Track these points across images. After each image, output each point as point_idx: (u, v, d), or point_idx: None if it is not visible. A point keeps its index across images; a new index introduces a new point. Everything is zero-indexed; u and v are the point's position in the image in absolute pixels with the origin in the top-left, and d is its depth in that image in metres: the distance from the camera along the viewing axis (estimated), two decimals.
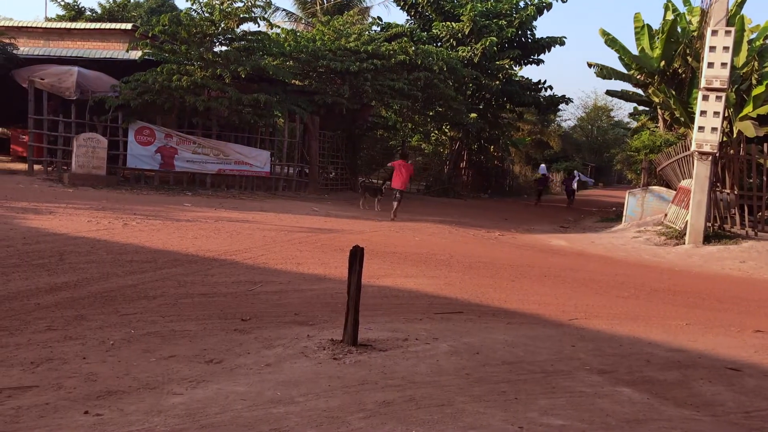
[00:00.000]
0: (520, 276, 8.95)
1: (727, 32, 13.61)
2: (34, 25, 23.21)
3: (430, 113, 27.54)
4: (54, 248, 7.31)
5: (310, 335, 4.95)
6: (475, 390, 4.01)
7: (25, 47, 20.02)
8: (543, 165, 36.19)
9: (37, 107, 16.68)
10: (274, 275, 7.21)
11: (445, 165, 32.35)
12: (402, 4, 30.41)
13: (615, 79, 25.46)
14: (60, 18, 30.32)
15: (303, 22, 36.44)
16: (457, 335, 5.32)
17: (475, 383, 4.15)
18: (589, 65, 25.23)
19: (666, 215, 16.25)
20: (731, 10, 16.87)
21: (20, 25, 22.80)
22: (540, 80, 32.27)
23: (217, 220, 11.42)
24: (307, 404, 3.54)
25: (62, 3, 30.84)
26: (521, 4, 29.62)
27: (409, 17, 31.26)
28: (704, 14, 15.91)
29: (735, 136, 16.90)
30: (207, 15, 17.82)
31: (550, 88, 31.98)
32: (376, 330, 5.24)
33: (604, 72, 25.01)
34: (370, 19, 33.13)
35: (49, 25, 24.31)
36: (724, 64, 13.55)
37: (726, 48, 13.54)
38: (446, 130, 31.88)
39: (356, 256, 4.72)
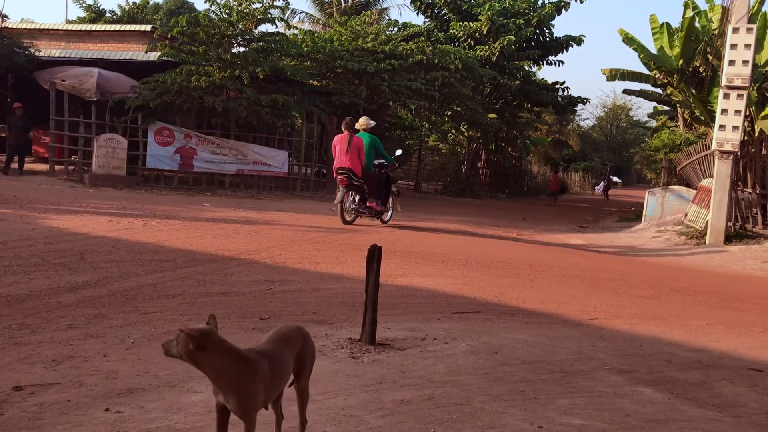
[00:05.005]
0: (539, 275, 8.90)
1: (749, 29, 13.46)
2: (55, 27, 23.46)
3: (448, 113, 27.49)
4: (75, 248, 7.38)
5: (328, 334, 4.96)
6: (493, 389, 4.00)
7: (47, 49, 20.27)
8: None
9: (58, 108, 16.86)
10: (293, 274, 7.23)
11: (462, 165, 32.28)
12: (418, 4, 30.32)
13: (630, 80, 25.28)
14: (81, 20, 30.62)
15: (321, 23, 36.53)
16: (476, 335, 5.30)
17: (494, 382, 4.13)
18: (603, 72, 25.07)
19: (686, 215, 16.09)
20: (753, 7, 16.68)
21: (42, 27, 23.07)
22: (557, 81, 32.19)
23: (236, 220, 11.48)
24: (326, 402, 3.55)
25: (83, 5, 31.15)
26: (539, 2, 29.48)
27: (426, 18, 31.19)
28: (725, 11, 15.74)
29: (757, 134, 16.70)
30: (225, 16, 17.92)
31: (568, 89, 31.87)
32: (394, 329, 5.24)
33: (618, 75, 24.82)
34: (387, 20, 33.14)
35: (70, 27, 24.57)
36: (745, 62, 13.41)
37: (748, 45, 13.39)
38: (464, 130, 31.82)
39: (374, 255, 4.71)
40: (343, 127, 12.23)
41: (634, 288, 8.68)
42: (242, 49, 18.64)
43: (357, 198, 12.16)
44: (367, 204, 12.25)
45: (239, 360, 2.56)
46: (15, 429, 3.03)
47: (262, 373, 2.61)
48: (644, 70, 24.92)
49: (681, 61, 22.25)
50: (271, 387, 2.72)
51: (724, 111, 13.66)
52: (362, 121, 12.65)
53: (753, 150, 14.91)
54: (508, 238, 13.92)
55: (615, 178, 43.64)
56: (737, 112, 13.52)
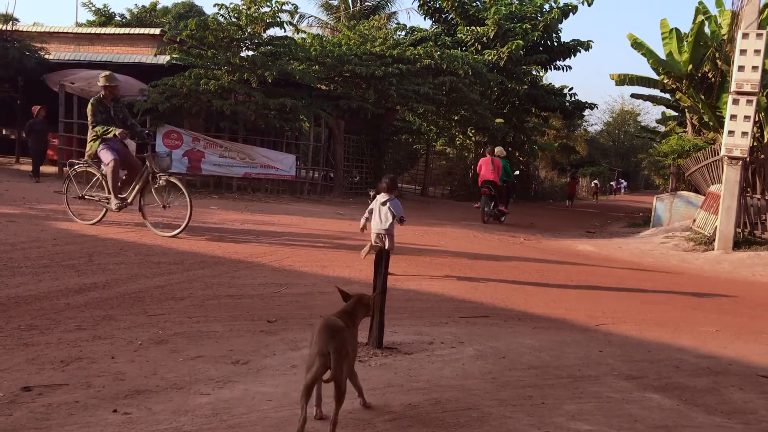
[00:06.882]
0: (546, 280, 8.87)
1: (759, 35, 13.40)
2: (65, 31, 23.62)
3: (455, 117, 27.48)
4: (83, 249, 7.40)
5: None
6: (501, 394, 3.99)
7: (57, 52, 20.39)
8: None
9: (67, 111, 16.95)
10: (300, 277, 7.23)
11: (469, 169, 32.23)
12: (426, 8, 30.35)
13: (638, 85, 25.23)
14: (90, 23, 30.80)
15: (329, 27, 36.61)
16: (483, 339, 5.29)
17: (501, 387, 4.12)
18: (612, 78, 25.06)
19: (694, 221, 16.02)
20: (763, 12, 16.61)
21: (52, 30, 23.23)
22: (565, 86, 32.16)
23: (244, 223, 11.50)
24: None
25: (93, 8, 31.32)
26: (546, 6, 29.45)
27: (433, 22, 31.22)
28: (735, 17, 15.68)
29: (766, 140, 16.62)
30: (234, 20, 17.97)
31: (575, 94, 31.84)
32: (402, 333, 5.23)
33: (626, 80, 24.78)
34: (395, 24, 33.19)
35: (80, 30, 24.75)
36: (755, 68, 13.35)
37: (757, 51, 13.34)
38: (471, 134, 31.79)
39: (382, 258, 4.71)
40: (486, 153, 17.46)
41: (642, 293, 8.64)
42: (251, 52, 18.68)
43: (492, 204, 17.00)
44: (499, 208, 17.36)
45: None
46: (23, 429, 3.04)
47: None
48: (653, 75, 24.88)
49: (690, 67, 22.20)
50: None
51: (733, 116, 13.60)
52: (498, 150, 17.79)
53: (762, 156, 14.85)
54: (515, 243, 13.89)
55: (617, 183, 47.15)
56: (746, 117, 13.47)
